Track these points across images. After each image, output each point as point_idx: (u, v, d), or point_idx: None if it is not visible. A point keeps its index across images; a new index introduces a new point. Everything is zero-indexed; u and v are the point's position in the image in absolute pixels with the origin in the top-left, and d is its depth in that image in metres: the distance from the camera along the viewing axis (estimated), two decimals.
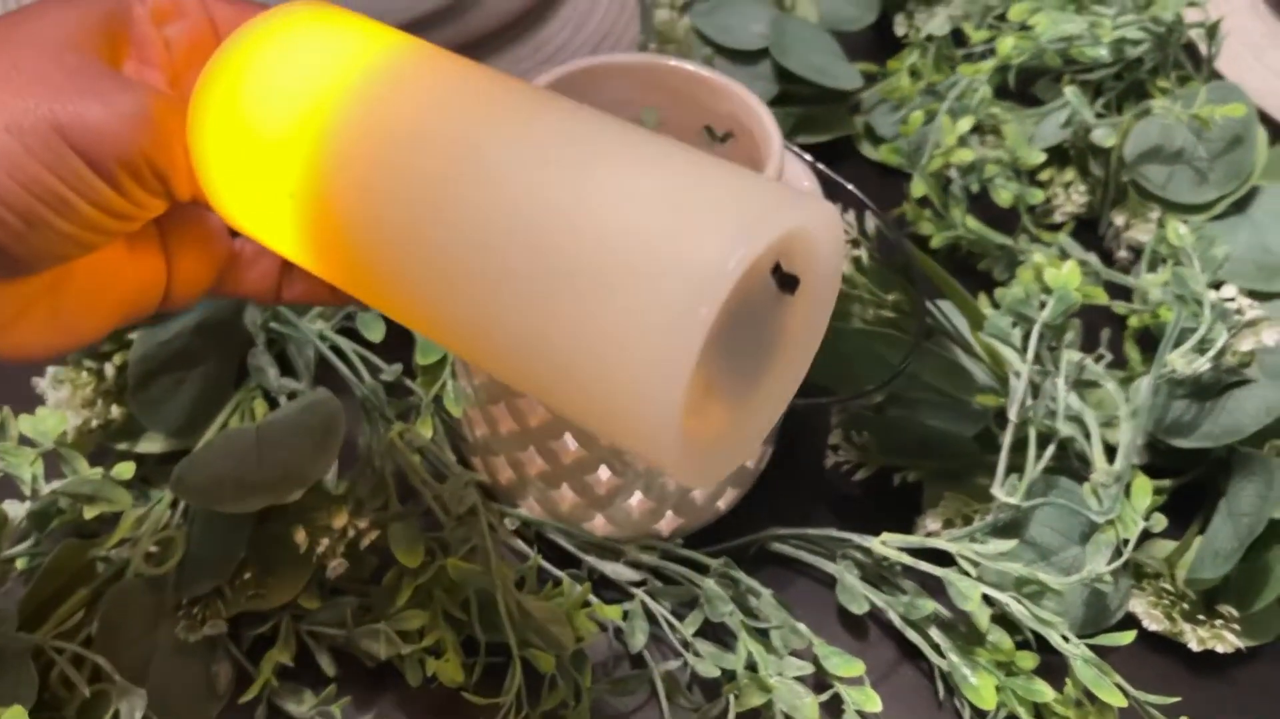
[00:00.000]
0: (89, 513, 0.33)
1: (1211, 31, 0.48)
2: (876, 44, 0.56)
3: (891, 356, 0.35)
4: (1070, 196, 0.49)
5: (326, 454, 0.32)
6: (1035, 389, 0.37)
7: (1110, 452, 0.37)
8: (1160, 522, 0.37)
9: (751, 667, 0.32)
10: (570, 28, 0.58)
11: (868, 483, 0.39)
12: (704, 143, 0.34)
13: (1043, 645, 0.34)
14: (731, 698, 0.32)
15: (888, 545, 0.35)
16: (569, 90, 0.33)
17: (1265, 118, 0.49)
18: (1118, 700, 0.32)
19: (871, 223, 0.37)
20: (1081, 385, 0.38)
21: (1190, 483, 0.40)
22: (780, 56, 0.49)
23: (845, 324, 0.35)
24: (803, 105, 0.52)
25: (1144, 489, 0.35)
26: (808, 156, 0.33)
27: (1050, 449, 0.36)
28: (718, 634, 0.35)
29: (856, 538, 0.36)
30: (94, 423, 0.35)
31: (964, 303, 0.36)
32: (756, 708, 0.32)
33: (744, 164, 0.32)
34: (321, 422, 0.33)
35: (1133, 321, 0.45)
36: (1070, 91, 0.47)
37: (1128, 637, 0.34)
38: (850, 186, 0.34)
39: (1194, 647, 0.36)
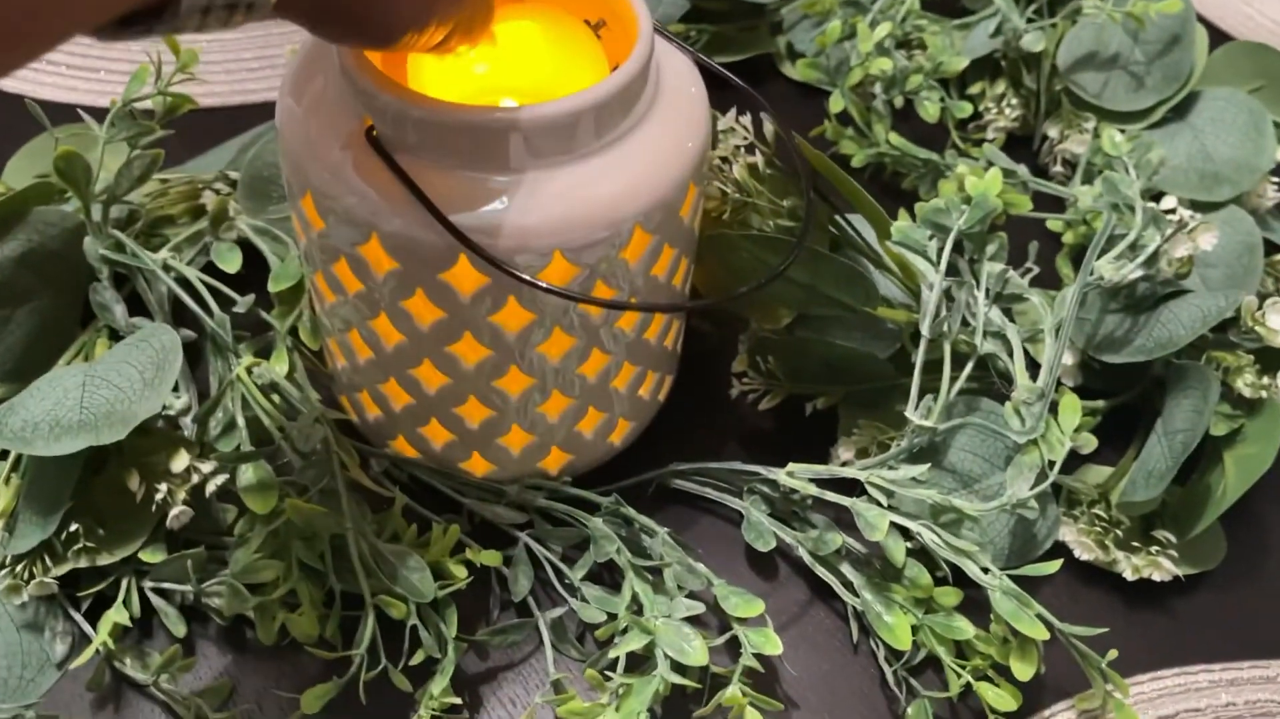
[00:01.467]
0: None
1: None
2: None
3: (773, 261, 0.32)
4: (1002, 110, 0.46)
5: (157, 391, 0.29)
6: (952, 303, 0.34)
7: (1036, 370, 0.34)
8: (1090, 442, 0.34)
9: (639, 610, 0.29)
10: None
11: (776, 412, 0.36)
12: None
13: (967, 582, 0.31)
14: (616, 641, 0.29)
15: (795, 477, 0.32)
16: None
17: (1204, 20, 0.46)
18: (1039, 633, 0.29)
19: (770, 128, 0.34)
20: (1005, 300, 0.35)
21: (1126, 404, 0.37)
22: None
23: (739, 232, 0.32)
24: (718, 23, 0.48)
25: (1072, 407, 0.32)
26: (689, 49, 0.30)
27: (968, 368, 0.33)
28: (613, 579, 0.32)
29: (764, 470, 0.33)
30: None
31: (873, 213, 0.33)
32: (644, 653, 0.29)
33: (616, 52, 0.29)
34: (154, 356, 0.29)
35: (1067, 238, 0.42)
36: None
37: (1052, 566, 0.31)
38: (738, 80, 0.30)
39: (1129, 576, 0.33)
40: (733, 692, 0.28)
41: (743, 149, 0.34)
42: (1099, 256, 0.34)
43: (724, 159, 0.34)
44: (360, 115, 0.26)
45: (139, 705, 0.30)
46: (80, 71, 0.46)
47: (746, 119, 0.34)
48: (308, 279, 0.31)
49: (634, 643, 0.28)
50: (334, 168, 0.26)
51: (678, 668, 0.28)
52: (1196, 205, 0.41)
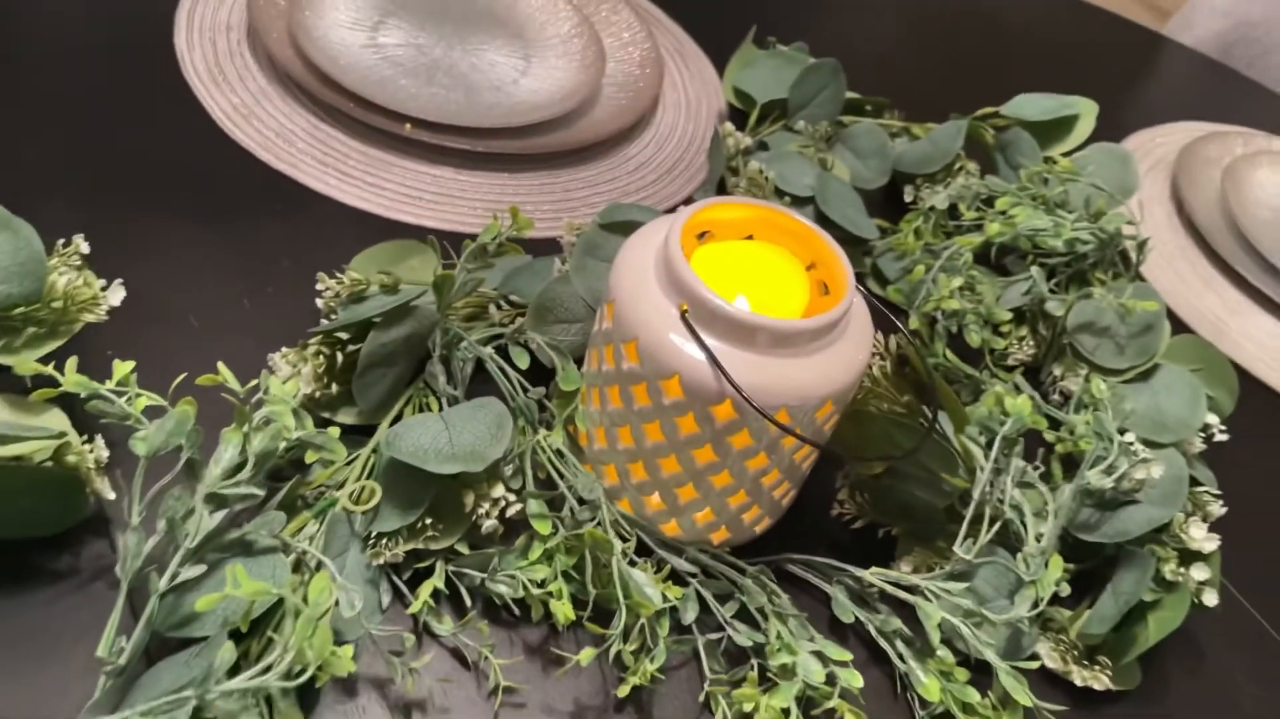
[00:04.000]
0: (310, 458, 0.45)
1: (1141, 246, 0.64)
2: (887, 206, 0.72)
3: (899, 438, 0.49)
4: (1022, 347, 0.64)
5: (500, 442, 0.44)
6: (992, 482, 0.51)
7: (1038, 535, 0.51)
8: (1066, 589, 0.51)
9: (779, 637, 0.45)
10: (653, 146, 0.73)
11: (860, 531, 0.52)
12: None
13: (971, 666, 0.47)
14: (757, 662, 0.44)
15: (874, 575, 0.49)
16: (700, 218, 0.46)
17: (1171, 313, 0.66)
18: (1026, 701, 0.45)
19: (893, 342, 0.51)
20: (1022, 485, 0.52)
21: (1090, 568, 0.54)
22: (823, 205, 0.64)
23: (868, 409, 0.49)
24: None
25: (1057, 565, 0.49)
26: (863, 289, 0.47)
27: (996, 526, 0.50)
28: (747, 619, 0.48)
29: (850, 568, 0.49)
30: (316, 394, 0.47)
31: (957, 412, 0.50)
32: (776, 674, 0.44)
33: (823, 285, 0.46)
34: (495, 417, 0.45)
35: (1059, 447, 0.59)
36: (1034, 270, 0.62)
37: (1033, 664, 0.47)
38: (891, 315, 0.48)
39: (1078, 683, 0.50)
40: (837, 702, 0.43)
41: (877, 355, 0.51)
42: (1089, 469, 0.52)
43: None
44: (677, 300, 0.43)
45: (435, 650, 0.44)
46: (434, 203, 0.63)
47: (878, 334, 0.51)
48: (592, 388, 0.47)
49: (782, 658, 0.43)
50: (659, 332, 0.43)
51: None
52: (1147, 443, 0.59)
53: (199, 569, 0.38)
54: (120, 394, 0.39)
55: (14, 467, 0.39)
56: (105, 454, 0.43)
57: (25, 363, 0.40)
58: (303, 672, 0.36)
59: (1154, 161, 0.87)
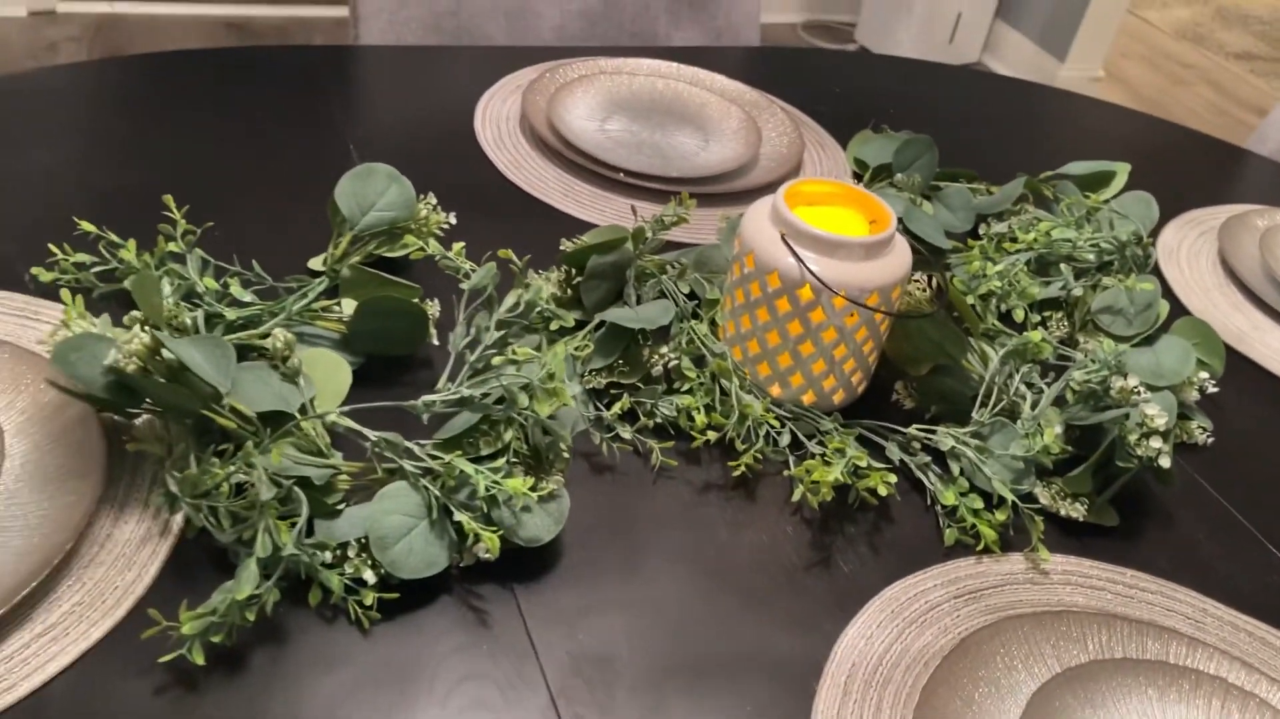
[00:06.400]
0: (553, 324, 0.73)
1: (1146, 250, 0.86)
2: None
3: (933, 334, 0.73)
4: (1059, 327, 0.86)
5: (666, 317, 0.71)
6: (1006, 380, 0.73)
7: (1033, 404, 0.73)
8: (1056, 444, 0.72)
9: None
10: None
11: (910, 411, 0.76)
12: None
13: (984, 496, 0.69)
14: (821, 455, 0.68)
15: (916, 429, 0.72)
16: (797, 188, 0.73)
17: (1175, 297, 0.87)
18: (1009, 497, 0.67)
19: (934, 280, 0.75)
20: (1028, 384, 0.74)
21: (1081, 452, 0.74)
22: (908, 223, 0.89)
23: (915, 325, 0.73)
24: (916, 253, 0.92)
25: (1051, 432, 0.71)
26: (909, 236, 0.72)
27: (1004, 402, 0.72)
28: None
29: (900, 429, 0.73)
30: (557, 294, 0.76)
31: (969, 317, 0.74)
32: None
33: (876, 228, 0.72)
34: (664, 307, 0.73)
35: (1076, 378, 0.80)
36: (1064, 267, 0.86)
37: (1031, 488, 0.69)
38: (929, 256, 0.73)
39: (1062, 514, 0.70)
40: (874, 475, 0.67)
41: (918, 280, 0.76)
42: (1077, 371, 0.74)
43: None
44: (779, 229, 0.70)
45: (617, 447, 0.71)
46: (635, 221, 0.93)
47: (922, 277, 0.76)
48: (726, 296, 0.74)
49: (837, 443, 0.67)
50: (767, 246, 0.70)
51: (863, 478, 0.67)
52: (1149, 387, 0.80)
53: (493, 351, 0.67)
54: (456, 262, 0.69)
55: (397, 300, 0.69)
56: (437, 310, 0.73)
57: (412, 249, 0.71)
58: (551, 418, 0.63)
59: (1208, 227, 1.08)
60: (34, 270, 0.73)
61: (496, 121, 1.05)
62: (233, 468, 0.57)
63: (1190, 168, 1.24)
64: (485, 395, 0.61)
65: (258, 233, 0.83)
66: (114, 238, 0.74)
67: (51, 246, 0.72)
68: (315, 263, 0.79)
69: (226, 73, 1.06)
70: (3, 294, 0.73)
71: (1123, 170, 0.95)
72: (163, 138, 0.94)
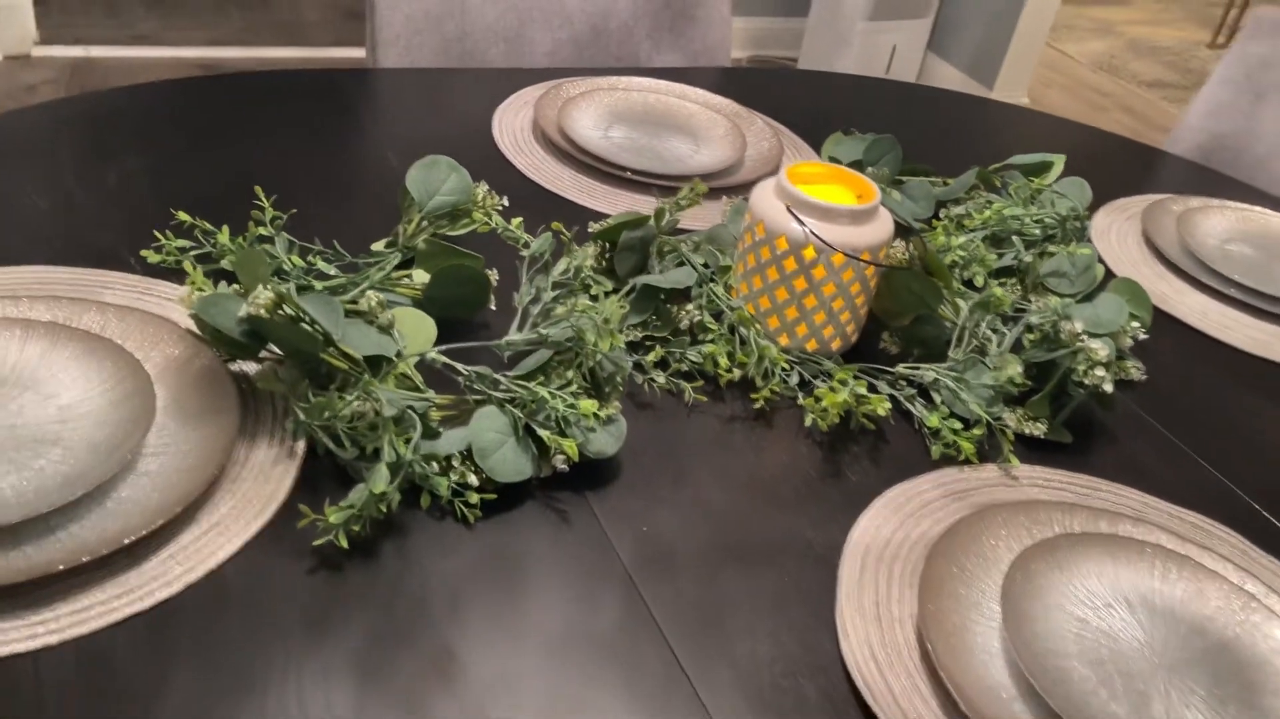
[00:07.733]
0: (593, 289, 0.86)
1: (1082, 223, 1.02)
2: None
3: (915, 288, 0.87)
4: (1013, 289, 1.01)
5: (689, 280, 0.85)
6: (975, 324, 0.88)
7: (998, 343, 0.87)
8: (1018, 376, 0.86)
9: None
10: None
11: (896, 355, 0.90)
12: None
13: (961, 421, 0.83)
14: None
15: (902, 368, 0.86)
16: (797, 169, 0.87)
17: (1103, 262, 1.03)
18: (984, 418, 0.81)
19: (910, 244, 0.90)
20: (993, 330, 0.89)
21: (1037, 382, 0.89)
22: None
23: (898, 275, 0.87)
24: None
25: (1014, 367, 0.85)
26: (894, 211, 0.86)
27: (974, 343, 0.87)
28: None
29: (887, 369, 0.87)
30: (594, 265, 0.88)
31: (940, 270, 0.88)
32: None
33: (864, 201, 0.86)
34: (687, 271, 0.86)
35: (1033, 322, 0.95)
36: (1016, 239, 1.01)
37: (999, 413, 0.83)
38: (909, 223, 0.87)
39: (1025, 432, 0.84)
40: (874, 398, 0.80)
41: (899, 247, 0.90)
42: (1033, 316, 0.88)
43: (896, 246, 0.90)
44: (784, 200, 0.84)
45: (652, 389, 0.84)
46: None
47: (899, 241, 0.91)
48: (739, 262, 0.88)
49: (841, 375, 0.81)
50: (775, 215, 0.83)
51: (864, 404, 0.80)
52: (1090, 335, 0.94)
53: (552, 305, 0.79)
54: (516, 234, 0.82)
55: (468, 268, 0.81)
56: (496, 277, 0.85)
57: (475, 226, 0.83)
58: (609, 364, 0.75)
59: (1132, 213, 1.24)
60: (143, 253, 0.84)
61: (512, 131, 1.18)
62: (353, 397, 0.68)
63: (1115, 164, 1.41)
64: (556, 337, 0.74)
65: (323, 225, 0.95)
66: (208, 226, 0.86)
67: (155, 232, 0.84)
68: (378, 245, 0.91)
69: (253, 95, 1.18)
70: (115, 274, 0.84)
71: (1059, 161, 1.11)
72: (214, 149, 1.06)
